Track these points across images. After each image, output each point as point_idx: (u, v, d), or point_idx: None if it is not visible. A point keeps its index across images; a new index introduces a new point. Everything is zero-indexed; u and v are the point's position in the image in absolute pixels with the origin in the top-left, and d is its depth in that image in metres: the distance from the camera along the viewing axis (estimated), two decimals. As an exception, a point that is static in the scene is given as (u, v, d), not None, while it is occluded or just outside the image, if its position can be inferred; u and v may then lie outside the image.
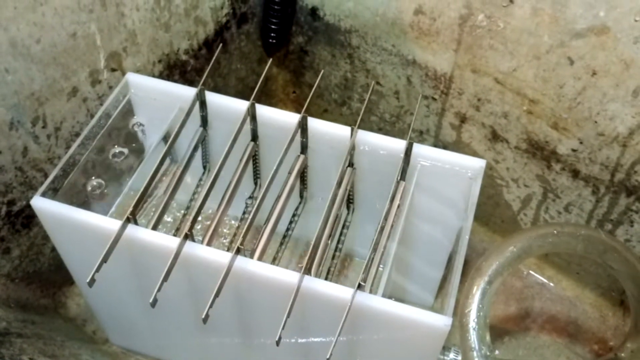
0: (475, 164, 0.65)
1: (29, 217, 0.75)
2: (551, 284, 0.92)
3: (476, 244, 0.95)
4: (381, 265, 0.61)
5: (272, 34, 0.95)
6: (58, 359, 0.71)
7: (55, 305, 0.85)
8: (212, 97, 0.69)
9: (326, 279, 0.62)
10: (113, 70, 0.76)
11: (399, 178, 0.64)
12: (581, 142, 0.76)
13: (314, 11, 0.91)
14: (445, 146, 0.91)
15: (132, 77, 0.71)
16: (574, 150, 0.78)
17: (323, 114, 1.05)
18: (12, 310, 0.75)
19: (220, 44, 0.77)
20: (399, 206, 0.63)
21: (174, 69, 0.85)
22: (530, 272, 0.93)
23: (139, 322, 0.75)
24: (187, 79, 0.87)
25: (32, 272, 0.79)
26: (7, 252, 0.74)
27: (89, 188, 0.66)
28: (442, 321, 0.54)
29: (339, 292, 0.54)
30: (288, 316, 0.52)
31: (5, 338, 0.68)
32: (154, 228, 0.58)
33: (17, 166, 0.70)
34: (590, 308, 0.90)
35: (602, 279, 0.88)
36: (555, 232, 0.70)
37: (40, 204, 0.61)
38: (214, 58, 0.70)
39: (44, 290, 0.83)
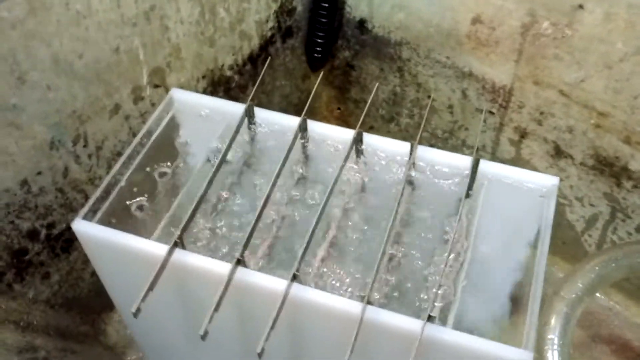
0: (547, 182, 0.60)
1: (68, 241, 0.72)
2: (620, 309, 0.86)
3: (535, 267, 0.90)
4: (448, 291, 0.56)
5: (318, 48, 0.91)
6: (99, 391, 0.68)
7: (95, 332, 0.82)
8: (261, 113, 0.66)
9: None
10: (156, 86, 0.73)
11: (464, 197, 0.59)
12: (657, 158, 0.71)
13: (361, 23, 0.87)
14: (503, 163, 0.85)
15: (177, 93, 0.68)
16: (648, 167, 0.72)
17: (369, 132, 1.00)
18: (51, 338, 0.72)
19: (269, 58, 0.73)
20: (466, 227, 0.59)
21: (218, 86, 0.82)
22: (597, 295, 0.87)
23: (184, 352, 0.71)
24: (231, 96, 0.84)
25: (72, 298, 0.76)
26: (47, 277, 0.71)
27: (133, 210, 0.63)
28: (521, 355, 0.48)
29: (407, 324, 0.50)
30: (352, 352, 0.47)
31: (44, 369, 0.65)
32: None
33: (57, 187, 0.67)
34: (664, 336, 0.83)
35: (676, 306, 0.82)
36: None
37: (82, 227, 0.57)
38: (262, 72, 0.66)
39: (84, 316, 0.79)
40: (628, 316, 0.85)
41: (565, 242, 0.88)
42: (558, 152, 0.79)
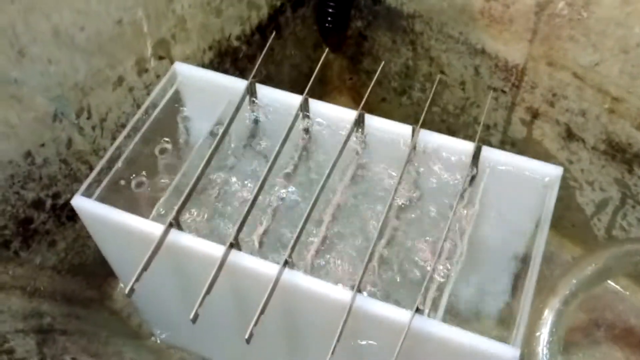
0: (551, 171, 0.58)
1: (74, 210, 0.72)
2: (626, 293, 0.85)
3: (542, 249, 0.88)
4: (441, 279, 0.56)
5: (329, 18, 0.89)
6: (101, 358, 0.69)
7: (101, 297, 0.83)
8: (263, 91, 0.65)
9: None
10: (161, 58, 0.72)
11: (465, 184, 0.58)
12: (670, 146, 0.68)
13: (375, -6, 0.85)
14: (513, 143, 0.84)
15: (180, 67, 0.67)
16: (661, 154, 0.70)
17: (381, 103, 0.99)
18: (57, 304, 0.73)
19: (274, 32, 0.72)
20: (464, 216, 0.58)
21: (225, 57, 0.80)
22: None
23: (183, 323, 0.72)
24: (238, 67, 0.83)
25: (78, 265, 0.77)
26: (53, 244, 0.72)
27: (133, 186, 0.63)
28: (509, 352, 0.48)
29: (395, 314, 0.49)
30: (338, 340, 0.47)
31: (48, 335, 0.66)
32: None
33: (61, 158, 0.68)
34: (669, 323, 0.82)
35: (684, 293, 0.80)
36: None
37: (81, 203, 0.58)
38: (266, 46, 0.65)
39: (90, 282, 0.81)
40: (634, 302, 0.84)
41: (575, 225, 0.87)
42: (570, 135, 0.77)
